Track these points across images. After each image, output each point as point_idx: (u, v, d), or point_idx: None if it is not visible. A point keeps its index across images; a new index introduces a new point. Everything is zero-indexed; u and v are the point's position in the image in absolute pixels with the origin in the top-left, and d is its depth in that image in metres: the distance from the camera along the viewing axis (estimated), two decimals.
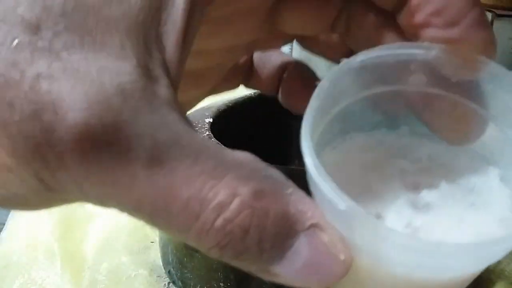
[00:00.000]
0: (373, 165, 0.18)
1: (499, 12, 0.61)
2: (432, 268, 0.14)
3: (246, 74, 0.26)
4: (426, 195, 0.17)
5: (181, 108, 0.14)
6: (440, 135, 0.19)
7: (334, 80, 0.16)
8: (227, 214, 0.13)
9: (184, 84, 0.16)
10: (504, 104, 0.17)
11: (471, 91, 0.17)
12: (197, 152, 0.13)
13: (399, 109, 0.19)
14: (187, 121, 0.14)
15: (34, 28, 0.13)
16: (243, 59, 0.25)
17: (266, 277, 0.14)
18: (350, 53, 0.19)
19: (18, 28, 0.13)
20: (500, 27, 0.61)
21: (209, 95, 0.25)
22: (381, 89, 0.18)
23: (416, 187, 0.17)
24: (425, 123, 0.19)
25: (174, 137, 0.13)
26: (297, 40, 0.24)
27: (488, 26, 0.17)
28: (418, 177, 0.18)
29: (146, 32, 0.14)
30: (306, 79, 0.25)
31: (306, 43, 0.24)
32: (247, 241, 0.14)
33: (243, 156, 0.14)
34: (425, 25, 0.17)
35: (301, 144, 0.15)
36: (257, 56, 0.26)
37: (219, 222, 0.13)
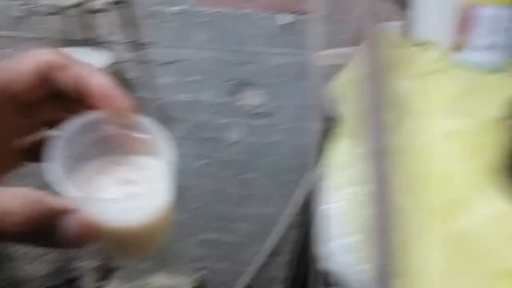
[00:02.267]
0: (98, 173, 0.32)
1: None
2: (111, 214, 0.28)
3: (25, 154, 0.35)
4: (131, 186, 0.31)
5: None
6: (125, 150, 0.34)
7: (71, 128, 0.30)
8: (24, 214, 0.25)
9: None
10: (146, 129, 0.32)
11: (131, 127, 0.32)
12: None
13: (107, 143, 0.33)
14: None
15: None
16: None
17: (53, 247, 0.26)
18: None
19: None
20: None
21: (9, 171, 0.33)
22: (89, 136, 0.32)
23: (124, 182, 0.32)
24: (118, 147, 0.34)
25: None
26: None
27: (126, 96, 0.31)
28: (123, 176, 0.32)
29: None
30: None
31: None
32: (37, 227, 0.25)
33: (20, 189, 0.25)
34: (98, 104, 0.30)
35: (49, 175, 0.27)
36: None
37: (20, 220, 0.25)
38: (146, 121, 0.32)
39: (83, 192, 0.29)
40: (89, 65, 0.31)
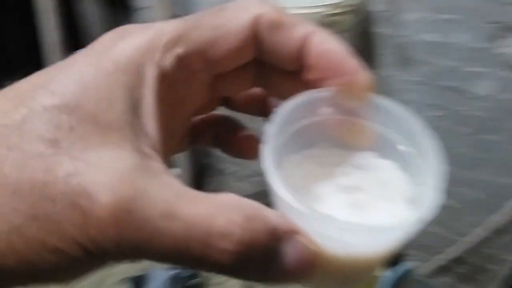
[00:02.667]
0: (313, 174, 0.25)
1: None
2: (358, 245, 0.21)
3: (191, 135, 0.31)
4: (356, 195, 0.24)
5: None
6: (347, 143, 0.26)
7: (283, 114, 0.23)
8: (233, 237, 0.18)
9: None
10: (385, 118, 0.24)
11: (361, 113, 0.25)
12: (195, 200, 0.19)
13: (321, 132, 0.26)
14: (177, 179, 0.20)
15: (54, 143, 0.19)
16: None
17: (262, 281, 0.20)
18: (263, 108, 0.29)
19: (42, 145, 0.18)
20: None
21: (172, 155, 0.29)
22: (313, 119, 0.25)
23: (347, 189, 0.24)
24: (336, 138, 0.26)
25: (176, 194, 0.19)
26: (224, 104, 0.30)
27: (364, 69, 0.23)
28: (346, 180, 0.24)
29: (132, 125, 0.20)
30: (238, 129, 0.30)
31: (232, 105, 0.30)
32: (253, 257, 0.19)
33: (226, 196, 0.20)
34: (322, 79, 0.24)
35: (263, 164, 0.21)
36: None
37: (229, 245, 0.18)
38: (389, 106, 0.24)
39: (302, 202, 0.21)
40: (315, 26, 0.24)
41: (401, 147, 0.24)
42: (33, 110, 0.19)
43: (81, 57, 0.21)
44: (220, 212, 0.19)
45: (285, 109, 0.23)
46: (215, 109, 0.30)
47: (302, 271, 0.20)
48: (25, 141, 0.18)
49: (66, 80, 0.20)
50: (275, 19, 0.23)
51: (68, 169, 0.18)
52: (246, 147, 0.30)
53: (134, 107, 0.20)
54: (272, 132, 0.22)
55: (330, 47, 0.23)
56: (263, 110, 0.30)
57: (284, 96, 0.26)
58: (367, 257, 0.22)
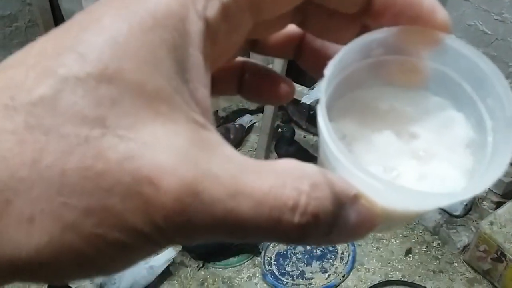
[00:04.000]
0: (366, 121, 0.24)
1: None
2: (412, 204, 0.21)
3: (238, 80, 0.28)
4: (419, 144, 0.23)
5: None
6: (399, 83, 0.25)
7: (341, 56, 0.21)
8: (301, 209, 0.17)
9: None
10: (453, 58, 0.22)
11: (422, 54, 0.23)
12: (259, 171, 0.17)
13: (378, 73, 0.24)
14: (234, 149, 0.18)
15: (99, 121, 0.16)
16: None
17: (320, 244, 0.21)
18: (299, 50, 0.27)
19: (85, 126, 0.16)
20: None
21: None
22: (366, 61, 0.23)
23: (408, 137, 0.23)
24: (386, 77, 0.24)
25: (239, 168, 0.17)
26: (249, 46, 0.27)
27: (442, 9, 0.21)
28: (406, 126, 0.24)
29: (182, 92, 0.18)
30: (265, 73, 0.28)
31: (261, 47, 0.27)
32: (319, 225, 0.18)
33: (288, 162, 0.18)
34: (391, 24, 0.22)
35: (320, 126, 0.20)
36: None
37: (297, 218, 0.17)
38: (462, 49, 0.22)
39: (363, 164, 0.21)
40: None
41: (466, 88, 0.23)
42: (64, 81, 0.16)
43: (107, 8, 0.18)
44: (286, 182, 0.17)
45: (339, 56, 0.21)
46: (242, 53, 0.27)
47: (364, 233, 0.20)
48: (64, 123, 0.16)
49: (96, 40, 0.17)
50: None
51: (121, 153, 0.16)
52: (278, 91, 0.28)
53: (182, 71, 0.18)
54: (326, 87, 0.21)
55: None
56: (298, 52, 0.27)
57: (333, 38, 0.24)
58: (421, 212, 0.23)
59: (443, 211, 1.87)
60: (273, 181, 0.17)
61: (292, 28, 0.25)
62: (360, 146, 0.23)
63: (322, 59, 0.25)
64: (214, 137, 0.18)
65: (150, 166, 0.16)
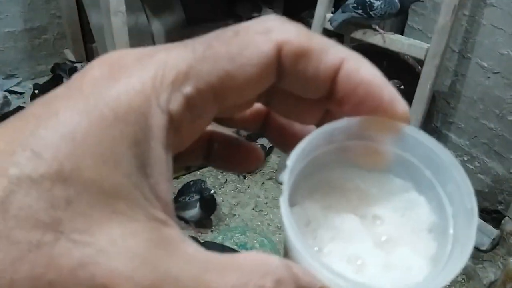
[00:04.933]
0: (331, 204, 0.24)
1: None
2: None
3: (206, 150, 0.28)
4: (383, 229, 0.23)
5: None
6: (364, 165, 0.25)
7: (303, 146, 0.21)
8: None
9: None
10: (413, 146, 0.23)
11: (383, 141, 0.23)
12: (222, 269, 0.17)
13: (344, 156, 0.24)
14: (196, 245, 0.17)
15: (52, 225, 0.15)
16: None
17: None
18: (265, 124, 0.27)
19: (38, 231, 0.15)
20: None
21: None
22: (331, 145, 0.23)
23: (372, 219, 0.23)
24: (350, 160, 0.24)
25: (202, 267, 0.17)
26: (216, 120, 0.25)
27: (401, 100, 0.22)
28: (370, 207, 0.24)
29: (142, 188, 0.17)
30: (235, 141, 0.28)
31: (226, 121, 0.26)
32: None
33: (252, 256, 0.18)
34: (353, 112, 0.22)
35: (283, 221, 0.20)
36: None
37: None
38: (421, 138, 0.22)
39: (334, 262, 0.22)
40: (346, 49, 0.21)
41: (426, 174, 0.24)
42: (16, 181, 0.15)
43: (65, 101, 0.17)
44: (249, 280, 0.17)
45: (302, 145, 0.22)
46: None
47: None
48: (14, 228, 0.15)
49: (52, 136, 0.16)
50: (301, 47, 0.20)
51: (75, 260, 0.15)
52: (247, 160, 0.28)
53: (142, 166, 0.17)
54: (288, 178, 0.21)
55: (365, 76, 0.21)
56: (264, 126, 0.27)
57: (296, 119, 0.25)
58: None
59: None
60: (236, 280, 0.17)
61: (257, 104, 0.25)
62: (324, 232, 0.23)
63: (288, 134, 0.26)
64: (175, 234, 0.17)
65: (104, 273, 0.15)
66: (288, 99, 0.23)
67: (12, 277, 0.14)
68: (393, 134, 0.23)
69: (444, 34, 1.56)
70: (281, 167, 2.07)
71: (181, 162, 0.26)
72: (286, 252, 0.22)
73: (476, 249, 1.79)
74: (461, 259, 0.20)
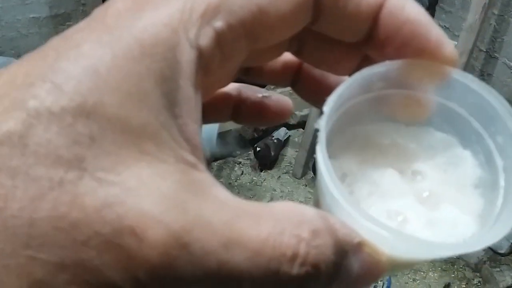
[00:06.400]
0: (367, 159, 0.22)
1: None
2: (419, 253, 0.20)
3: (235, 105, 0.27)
4: (424, 185, 0.21)
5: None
6: (402, 118, 0.23)
7: (340, 92, 0.20)
8: (300, 259, 0.16)
9: None
10: (461, 93, 0.21)
11: (425, 88, 0.22)
12: (255, 217, 0.16)
13: (380, 108, 0.22)
14: (228, 192, 0.16)
15: (75, 162, 0.14)
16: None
17: None
18: (295, 77, 0.25)
19: (59, 168, 0.13)
20: None
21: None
22: (367, 95, 0.21)
23: (412, 175, 0.22)
24: (388, 112, 0.23)
25: (234, 213, 0.15)
26: (242, 73, 0.24)
27: (449, 41, 0.20)
28: (410, 163, 0.22)
29: (170, 128, 0.15)
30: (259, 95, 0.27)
31: (254, 74, 0.25)
32: (320, 276, 0.16)
33: (287, 205, 0.17)
34: (395, 55, 0.20)
35: (319, 167, 0.18)
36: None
37: (296, 269, 0.15)
38: (470, 83, 0.20)
39: (367, 210, 0.20)
40: None
41: (473, 125, 0.22)
42: (35, 115, 0.14)
43: (87, 33, 0.16)
44: (285, 228, 0.16)
45: (339, 91, 0.20)
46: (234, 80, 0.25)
47: (368, 283, 0.18)
48: (34, 164, 0.13)
49: (73, 68, 0.15)
50: None
51: (100, 199, 0.14)
52: (277, 112, 0.26)
53: (170, 105, 0.16)
54: (325, 125, 0.19)
55: (411, 14, 0.19)
56: (295, 80, 0.25)
57: (329, 68, 0.23)
58: (430, 260, 0.22)
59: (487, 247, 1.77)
60: (271, 228, 0.16)
61: (288, 55, 0.24)
62: (362, 186, 0.21)
63: (321, 88, 0.24)
64: (206, 178, 0.16)
65: (132, 214, 0.14)
66: (323, 45, 0.22)
67: (32, 216, 0.13)
68: (439, 79, 0.21)
69: (473, 32, 1.53)
70: (299, 162, 2.07)
71: (207, 120, 0.25)
72: (319, 206, 0.20)
73: (494, 252, 1.76)
74: None
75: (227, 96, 0.26)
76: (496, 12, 1.74)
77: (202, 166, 0.16)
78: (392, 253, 0.18)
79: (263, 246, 0.15)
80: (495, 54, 1.80)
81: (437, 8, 1.95)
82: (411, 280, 1.74)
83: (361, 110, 0.22)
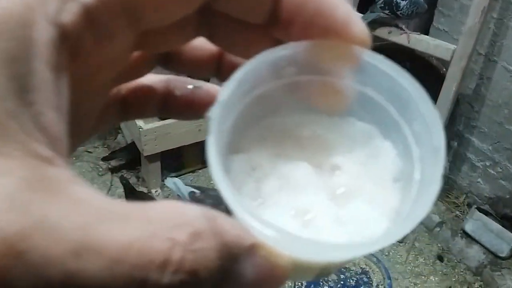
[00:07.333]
0: (280, 152, 0.21)
1: None
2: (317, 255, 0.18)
3: (122, 107, 0.24)
4: (341, 180, 0.20)
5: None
6: (322, 109, 0.21)
7: (242, 75, 0.18)
8: (173, 266, 0.13)
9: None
10: (374, 77, 0.19)
11: (338, 73, 0.20)
12: (122, 218, 0.13)
13: (296, 96, 0.21)
14: (93, 190, 0.14)
15: None
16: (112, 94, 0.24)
17: None
18: (215, 69, 0.23)
19: None
20: None
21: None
22: (279, 81, 0.20)
23: (330, 169, 0.20)
24: (306, 101, 0.21)
25: (92, 214, 0.13)
26: (161, 63, 0.23)
27: (358, 19, 0.18)
28: (329, 157, 0.21)
29: (20, 118, 0.14)
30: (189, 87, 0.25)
31: (176, 64, 0.23)
32: (201, 284, 0.14)
33: (167, 206, 0.14)
34: (301, 36, 0.18)
35: (209, 162, 0.16)
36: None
37: (167, 277, 0.13)
38: (382, 65, 0.19)
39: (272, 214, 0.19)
40: None
41: (391, 111, 0.20)
42: None
43: None
44: (156, 231, 0.13)
45: (239, 76, 0.18)
46: (150, 71, 0.23)
47: (261, 285, 0.16)
48: None
49: None
50: None
51: None
52: (210, 104, 0.24)
53: (22, 90, 0.14)
54: (220, 112, 0.17)
55: None
56: (219, 69, 0.23)
57: (241, 53, 0.21)
58: (337, 262, 0.20)
59: (487, 251, 1.77)
60: (140, 231, 0.13)
61: (207, 44, 0.22)
62: (270, 182, 0.20)
63: None
64: (62, 174, 0.14)
65: None
66: (230, 28, 0.20)
67: None
68: (349, 62, 0.19)
69: (472, 36, 1.53)
70: None
71: (133, 115, 0.24)
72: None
73: (495, 256, 1.75)
74: (424, 206, 0.17)
75: (151, 89, 0.24)
76: (495, 16, 1.74)
77: (60, 161, 0.14)
78: (292, 255, 0.17)
79: (126, 252, 0.13)
80: (494, 58, 1.81)
81: (436, 11, 1.95)
82: (412, 284, 1.73)
83: (276, 99, 0.20)
